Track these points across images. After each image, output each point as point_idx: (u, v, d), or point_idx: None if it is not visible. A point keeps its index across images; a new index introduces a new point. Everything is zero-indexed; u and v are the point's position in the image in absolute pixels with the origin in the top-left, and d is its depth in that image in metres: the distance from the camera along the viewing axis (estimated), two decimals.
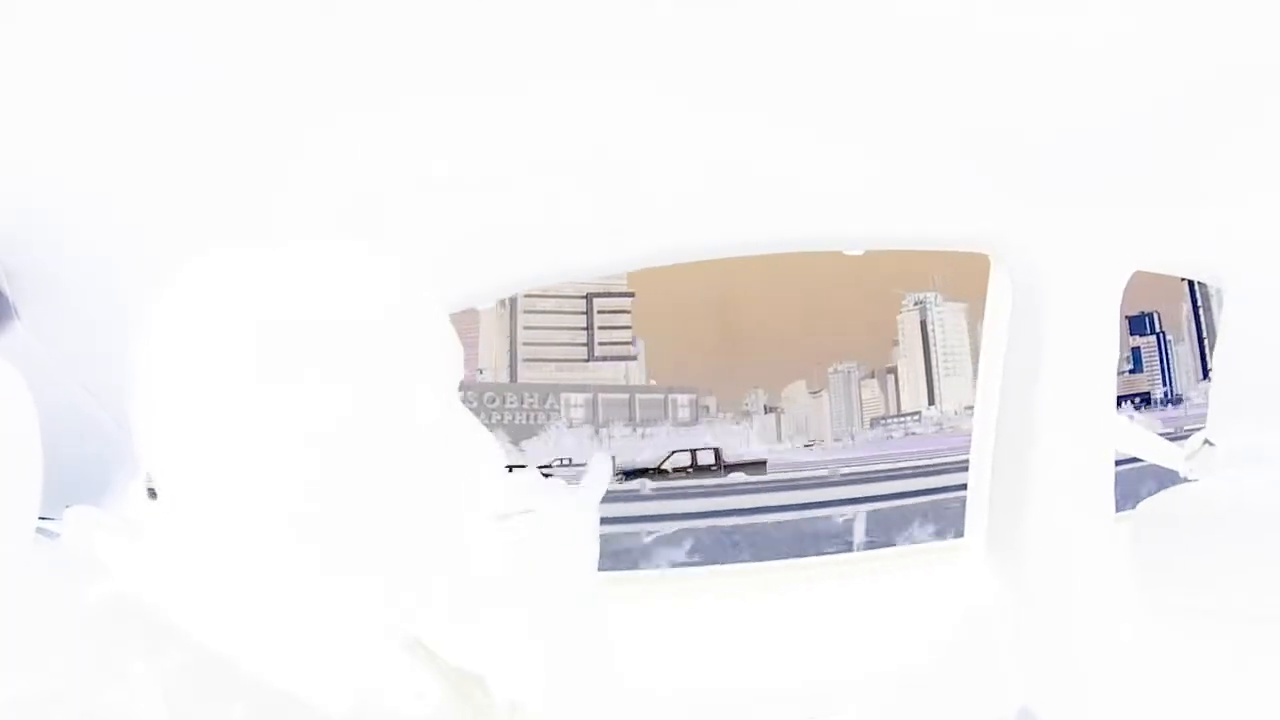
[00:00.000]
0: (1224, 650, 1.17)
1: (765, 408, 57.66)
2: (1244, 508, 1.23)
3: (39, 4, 0.78)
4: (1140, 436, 1.56)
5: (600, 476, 0.75)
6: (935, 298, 55.16)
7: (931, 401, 51.80)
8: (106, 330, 0.99)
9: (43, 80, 0.86)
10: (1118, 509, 1.52)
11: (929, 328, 53.97)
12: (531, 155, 1.20)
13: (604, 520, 0.74)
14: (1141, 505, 1.36)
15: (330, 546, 0.56)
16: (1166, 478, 1.47)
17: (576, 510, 0.72)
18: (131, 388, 0.57)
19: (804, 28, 1.01)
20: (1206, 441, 1.39)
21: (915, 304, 55.64)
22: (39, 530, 0.63)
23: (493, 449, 0.64)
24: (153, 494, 0.57)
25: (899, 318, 56.99)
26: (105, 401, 1.10)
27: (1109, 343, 1.53)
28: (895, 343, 57.45)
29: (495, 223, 1.35)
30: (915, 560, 1.78)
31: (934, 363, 52.78)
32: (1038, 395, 1.54)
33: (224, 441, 0.54)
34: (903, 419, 52.70)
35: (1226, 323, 1.39)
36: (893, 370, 56.67)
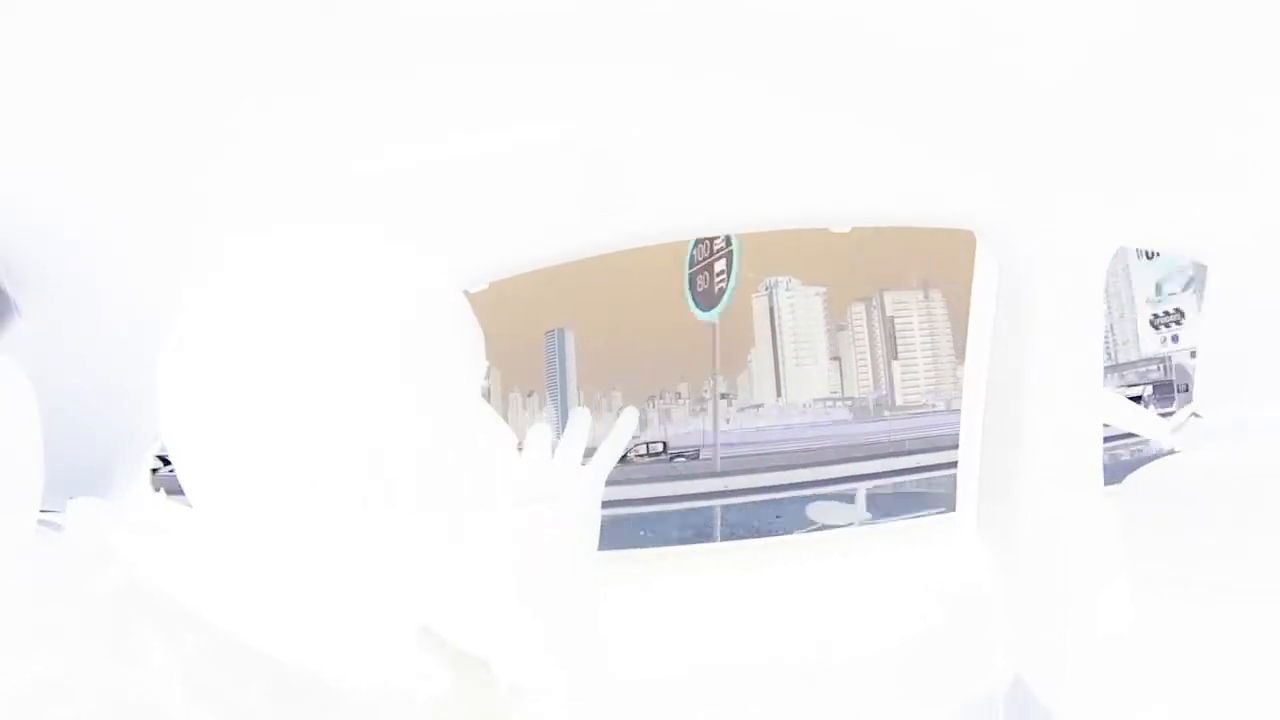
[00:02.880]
0: (1214, 623, 1.21)
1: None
2: (1233, 481, 1.27)
3: (39, 4, 0.74)
4: (1128, 410, 1.61)
5: (610, 455, 0.74)
6: (787, 282, 56.08)
7: (779, 393, 52.82)
8: (111, 327, 1.00)
9: (42, 79, 0.80)
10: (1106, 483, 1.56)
11: (776, 314, 54.96)
12: (519, 135, 1.14)
13: None
14: (1130, 479, 1.39)
15: (347, 535, 0.56)
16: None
17: (581, 494, 0.72)
18: (158, 379, 0.56)
19: (792, 5, 0.97)
20: (1194, 414, 1.44)
21: (765, 289, 56.39)
22: (42, 523, 0.62)
23: (509, 439, 0.66)
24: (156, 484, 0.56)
25: (752, 303, 57.85)
26: (109, 399, 1.04)
27: (1094, 316, 1.56)
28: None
29: (484, 204, 1.28)
30: (907, 537, 1.79)
31: (780, 352, 53.73)
32: (1025, 370, 1.55)
33: (247, 431, 0.54)
34: (744, 411, 53.77)
35: (1212, 300, 1.44)
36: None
